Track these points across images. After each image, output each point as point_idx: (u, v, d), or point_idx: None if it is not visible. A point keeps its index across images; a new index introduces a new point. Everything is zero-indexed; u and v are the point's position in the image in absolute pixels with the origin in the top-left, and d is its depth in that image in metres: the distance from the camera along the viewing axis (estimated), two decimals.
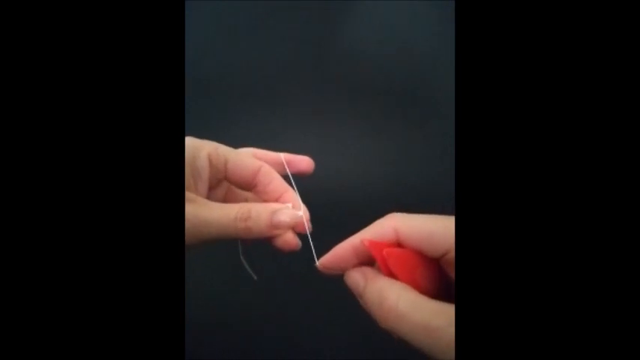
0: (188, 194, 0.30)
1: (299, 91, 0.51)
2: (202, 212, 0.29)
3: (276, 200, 0.33)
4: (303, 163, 0.35)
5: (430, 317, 0.23)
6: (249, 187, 0.33)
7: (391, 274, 0.26)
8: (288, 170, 0.34)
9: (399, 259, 0.26)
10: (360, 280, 0.27)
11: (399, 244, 0.27)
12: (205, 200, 0.31)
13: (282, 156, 0.35)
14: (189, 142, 0.32)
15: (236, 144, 0.49)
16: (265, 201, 0.33)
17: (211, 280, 0.43)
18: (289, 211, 0.31)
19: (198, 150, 0.31)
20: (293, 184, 0.34)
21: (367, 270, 0.27)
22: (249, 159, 0.33)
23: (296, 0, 0.51)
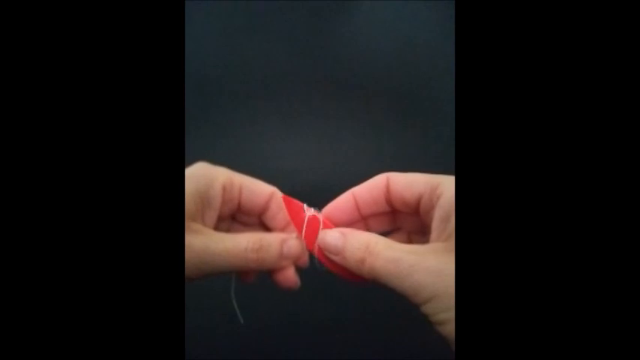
0: (195, 225, 0.29)
1: (299, 91, 0.51)
2: (212, 245, 0.28)
3: (283, 228, 0.33)
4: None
5: (397, 252, 0.26)
6: (260, 213, 0.33)
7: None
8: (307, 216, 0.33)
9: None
10: (340, 236, 0.29)
11: (386, 191, 0.31)
12: (212, 231, 0.30)
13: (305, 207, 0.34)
14: (204, 169, 0.31)
15: (236, 144, 0.49)
16: (272, 227, 0.34)
17: (210, 288, 0.43)
18: (297, 241, 0.31)
19: (213, 179, 0.31)
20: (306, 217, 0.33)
21: (342, 229, 0.30)
22: (263, 185, 0.33)
23: (296, 0, 0.51)
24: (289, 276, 0.31)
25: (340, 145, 0.50)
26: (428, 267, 0.25)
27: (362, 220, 0.33)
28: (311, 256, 0.32)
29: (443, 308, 0.24)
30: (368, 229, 0.32)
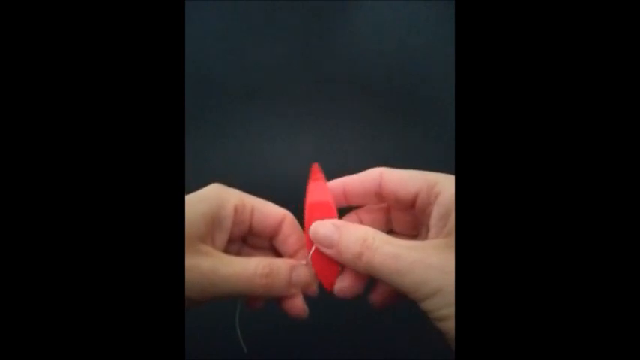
0: (204, 247, 0.29)
1: (299, 91, 0.51)
2: (220, 267, 0.28)
3: (293, 253, 0.33)
4: None
5: (396, 247, 0.26)
6: (270, 236, 0.33)
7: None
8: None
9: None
10: (335, 230, 0.29)
11: (378, 187, 0.31)
12: (221, 253, 0.30)
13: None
14: (216, 190, 0.31)
15: (236, 144, 0.49)
16: (283, 251, 0.33)
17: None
18: (306, 268, 0.31)
19: (225, 200, 0.31)
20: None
21: (336, 221, 0.30)
22: (275, 207, 0.33)
23: (296, 0, 0.51)
24: (297, 304, 0.30)
25: (340, 145, 0.50)
26: (430, 263, 0.25)
27: (355, 217, 0.34)
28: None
29: (445, 304, 0.24)
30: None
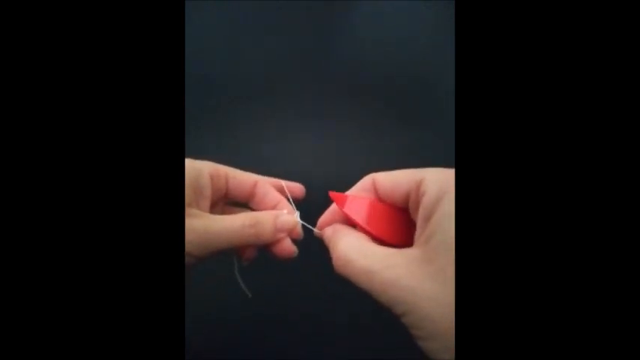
0: (193, 210, 0.31)
1: (299, 91, 0.51)
2: (211, 225, 0.31)
3: (273, 208, 0.36)
4: (297, 189, 0.38)
5: (371, 263, 0.26)
6: (247, 200, 0.36)
7: (351, 220, 0.30)
8: (288, 193, 0.37)
9: (356, 206, 0.31)
10: (330, 234, 0.30)
11: (376, 193, 0.31)
12: (210, 214, 0.32)
13: (283, 183, 0.38)
14: (190, 163, 0.34)
15: (236, 144, 0.49)
16: (264, 210, 0.36)
17: (211, 288, 0.43)
18: (289, 216, 0.34)
19: (200, 170, 0.33)
20: (289, 197, 0.37)
21: (337, 226, 0.31)
22: (247, 174, 0.36)
23: (296, 0, 0.51)
24: (286, 246, 0.33)
25: (340, 145, 0.50)
26: (400, 286, 0.25)
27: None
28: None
29: (415, 325, 0.24)
30: None
